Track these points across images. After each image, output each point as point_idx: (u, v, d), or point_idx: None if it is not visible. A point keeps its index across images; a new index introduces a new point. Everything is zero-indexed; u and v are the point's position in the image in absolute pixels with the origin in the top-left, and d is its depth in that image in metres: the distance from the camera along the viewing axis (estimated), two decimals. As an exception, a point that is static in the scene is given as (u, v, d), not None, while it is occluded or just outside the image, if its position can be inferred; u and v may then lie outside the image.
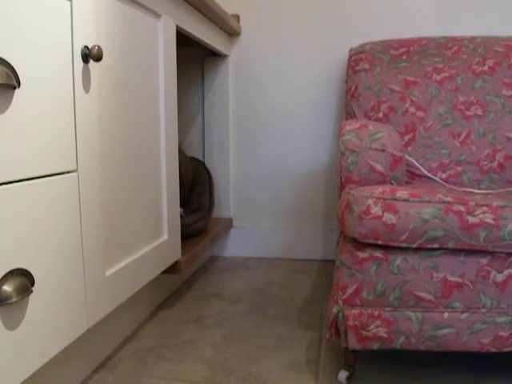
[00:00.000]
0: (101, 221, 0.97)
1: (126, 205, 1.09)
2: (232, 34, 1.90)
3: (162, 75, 1.26)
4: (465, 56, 1.51)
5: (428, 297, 0.95)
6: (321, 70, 1.88)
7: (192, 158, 1.87)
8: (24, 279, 0.73)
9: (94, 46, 0.89)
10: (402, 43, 1.57)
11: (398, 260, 0.95)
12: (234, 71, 1.94)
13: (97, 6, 0.94)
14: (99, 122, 0.96)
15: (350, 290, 0.97)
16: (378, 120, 1.49)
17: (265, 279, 1.72)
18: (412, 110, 1.48)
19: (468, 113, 1.46)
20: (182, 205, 1.78)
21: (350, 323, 0.97)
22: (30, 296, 0.76)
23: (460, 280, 0.94)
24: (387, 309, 0.97)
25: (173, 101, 1.34)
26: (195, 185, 1.81)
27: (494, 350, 0.95)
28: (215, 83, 1.93)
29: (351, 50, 1.63)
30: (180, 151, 1.83)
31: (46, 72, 0.79)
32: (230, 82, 1.94)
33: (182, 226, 1.55)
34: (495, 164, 1.42)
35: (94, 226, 0.94)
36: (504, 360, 1.13)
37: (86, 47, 0.89)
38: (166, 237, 1.31)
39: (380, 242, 0.94)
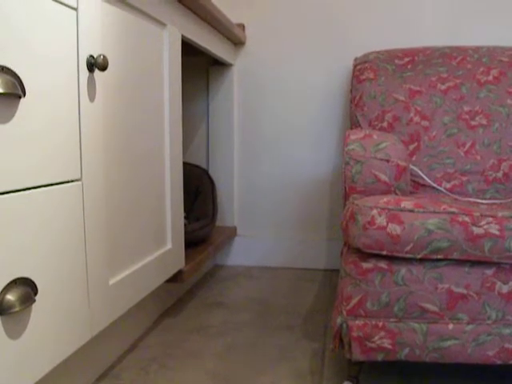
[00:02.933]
0: (105, 230, 0.97)
1: (129, 214, 1.09)
2: (237, 43, 1.91)
3: (167, 84, 1.26)
4: (469, 65, 1.51)
5: (433, 308, 0.94)
6: (326, 79, 1.88)
7: (195, 166, 1.87)
8: (27, 288, 0.73)
9: (100, 56, 0.89)
10: (406, 53, 1.57)
11: (403, 271, 0.95)
12: (238, 80, 1.95)
13: (102, 16, 0.95)
14: (104, 130, 0.96)
15: (354, 301, 0.97)
16: (382, 129, 1.49)
17: (268, 289, 1.71)
18: (416, 119, 1.48)
19: (473, 122, 1.46)
20: (185, 212, 1.78)
21: (354, 334, 0.97)
22: (33, 305, 0.76)
23: (465, 291, 0.94)
24: (391, 320, 0.96)
25: (177, 109, 1.34)
26: (198, 193, 1.81)
27: (499, 362, 0.94)
28: (220, 92, 1.94)
29: (356, 59, 1.63)
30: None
31: (52, 81, 0.79)
32: (235, 91, 1.95)
33: (185, 233, 1.55)
34: (500, 174, 1.42)
35: (98, 235, 0.94)
36: (510, 372, 1.12)
37: (92, 56, 0.89)
38: (169, 246, 1.31)
39: (384, 253, 0.93)
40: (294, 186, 1.95)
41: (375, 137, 1.20)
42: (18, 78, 0.71)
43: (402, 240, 0.92)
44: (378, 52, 1.60)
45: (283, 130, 1.93)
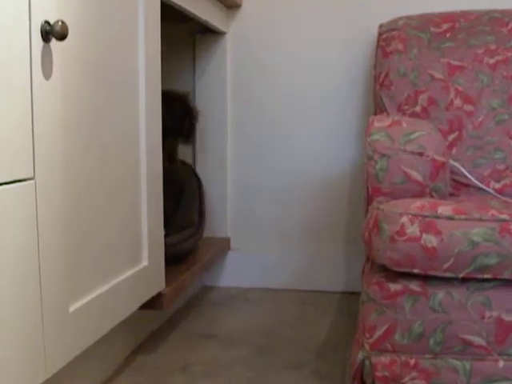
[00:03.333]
0: (63, 242, 0.97)
1: (95, 221, 1.09)
2: (231, 5, 1.91)
3: (143, 57, 1.26)
4: (525, 34, 1.52)
5: (478, 341, 0.95)
6: (342, 51, 1.88)
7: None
8: (-34, 316, 0.73)
9: (57, 21, 0.89)
10: (445, 18, 1.58)
11: (440, 294, 0.95)
12: (232, 52, 1.95)
13: (61, -28, 0.95)
14: (63, 116, 0.96)
15: (379, 332, 0.97)
16: (414, 115, 1.49)
17: (271, 316, 1.71)
18: (458, 102, 1.49)
19: (529, 106, 1.47)
20: (164, 219, 1.78)
21: (379, 374, 0.97)
22: (-27, 337, 0.76)
23: (519, 320, 0.94)
24: (426, 356, 0.96)
25: (156, 89, 1.34)
26: (181, 195, 1.81)
27: (562, 409, 0.95)
28: (209, 67, 1.94)
29: (381, 26, 1.64)
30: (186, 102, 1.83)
31: (-3, 54, 0.79)
32: (228, 65, 1.95)
33: (165, 246, 1.55)
34: None
35: (55, 250, 0.94)
36: None
37: (47, 23, 0.89)
38: (145, 263, 1.31)
39: (417, 271, 0.94)
40: (303, 185, 1.95)
41: (405, 124, 1.20)
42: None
43: (440, 255, 0.92)
44: (408, 17, 1.61)
45: (290, 114, 1.94)
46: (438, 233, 0.93)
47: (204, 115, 1.95)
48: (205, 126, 1.96)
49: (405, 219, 0.94)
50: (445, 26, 1.56)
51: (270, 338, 1.55)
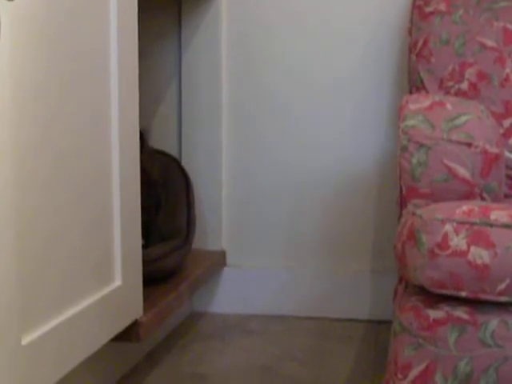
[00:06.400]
0: (14, 261, 0.96)
1: (53, 234, 1.08)
2: (227, -46, 1.92)
3: (115, 21, 1.26)
4: None
5: (542, 383, 0.95)
6: (369, 13, 1.88)
7: (159, 153, 1.86)
8: None
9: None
10: (499, -30, 1.58)
11: (493, 323, 0.95)
12: (229, 14, 1.95)
13: None
14: (12, 98, 0.96)
15: (414, 372, 0.97)
16: (460, 94, 1.49)
17: (277, 351, 1.71)
18: (516, 78, 1.49)
19: None
20: (143, 228, 1.78)
21: (416, 425, 0.97)
22: None
23: None
24: (476, 403, 0.97)
25: (131, 63, 1.34)
26: (164, 197, 1.81)
27: None
28: (199, 34, 1.93)
29: (418, -19, 1.64)
30: (143, 145, 1.83)
31: None
32: (223, 31, 1.94)
33: (143, 262, 1.54)
34: None
35: (4, 270, 0.94)
36: None
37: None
38: (118, 282, 1.31)
39: (464, 294, 0.94)
40: (318, 185, 1.95)
41: (449, 106, 1.20)
42: None
43: (493, 273, 0.92)
44: (453, -31, 1.61)
45: (301, 95, 1.93)
46: (490, 245, 0.92)
47: (192, 97, 1.95)
48: (193, 111, 1.95)
49: (448, 228, 0.94)
50: (499, -19, 1.56)
51: (276, 378, 1.55)
